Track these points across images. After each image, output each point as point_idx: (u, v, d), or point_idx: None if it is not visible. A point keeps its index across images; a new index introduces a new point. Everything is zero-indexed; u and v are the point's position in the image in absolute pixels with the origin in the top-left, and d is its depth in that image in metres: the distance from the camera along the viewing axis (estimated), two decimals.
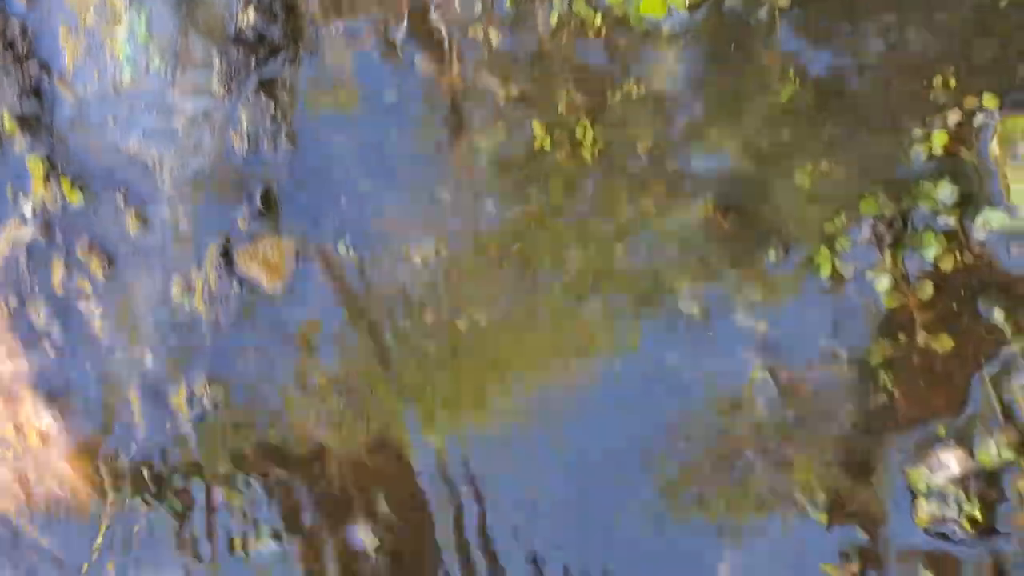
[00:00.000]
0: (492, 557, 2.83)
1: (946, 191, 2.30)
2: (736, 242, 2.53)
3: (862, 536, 2.41)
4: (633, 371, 2.64)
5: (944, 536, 2.34)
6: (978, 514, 2.29)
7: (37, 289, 3.49)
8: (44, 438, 3.48)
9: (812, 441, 2.48)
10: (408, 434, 2.94)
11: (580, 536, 2.70)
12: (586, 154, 2.67)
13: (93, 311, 3.43)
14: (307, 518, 3.10)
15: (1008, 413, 2.27)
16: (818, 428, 2.48)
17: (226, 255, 3.14)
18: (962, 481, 2.30)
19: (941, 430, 2.34)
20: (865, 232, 2.38)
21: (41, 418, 3.49)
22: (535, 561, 2.75)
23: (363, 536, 3.03)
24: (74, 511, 3.47)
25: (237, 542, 3.21)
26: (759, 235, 2.51)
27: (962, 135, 2.29)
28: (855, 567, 2.41)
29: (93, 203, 3.39)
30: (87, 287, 3.42)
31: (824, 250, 2.43)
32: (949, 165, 2.32)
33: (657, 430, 2.62)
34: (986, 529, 2.30)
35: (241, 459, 3.18)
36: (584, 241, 2.70)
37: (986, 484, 2.30)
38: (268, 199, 3.13)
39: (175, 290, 3.25)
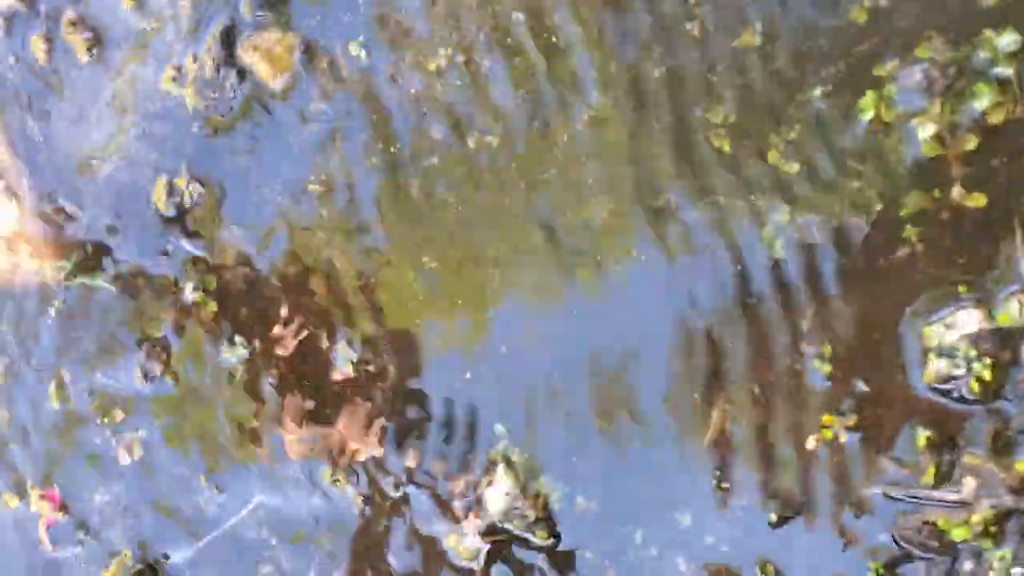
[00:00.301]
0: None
1: (1007, 39, 2.20)
2: (781, 74, 2.41)
3: (864, 389, 2.38)
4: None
5: (947, 394, 2.31)
6: (987, 374, 2.25)
7: (14, 61, 3.26)
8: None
9: (824, 292, 2.42)
10: (407, 257, 2.83)
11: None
12: None
13: (75, 91, 3.22)
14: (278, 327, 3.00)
15: None
16: (833, 278, 2.42)
17: (227, 41, 2.94)
18: (976, 341, 2.26)
19: (962, 288, 2.29)
20: (917, 76, 2.28)
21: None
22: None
23: (341, 351, 2.93)
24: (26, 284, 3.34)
25: (204, 349, 3.11)
26: (806, 69, 2.39)
27: None
28: (852, 421, 2.39)
29: None
30: (70, 66, 3.21)
31: (871, 92, 2.32)
32: (1016, 12, 2.21)
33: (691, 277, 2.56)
34: (992, 391, 2.28)
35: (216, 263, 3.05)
36: (615, 59, 2.57)
37: (999, 346, 2.26)
38: None
39: (166, 78, 3.05)
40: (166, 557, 3.19)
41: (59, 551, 3.35)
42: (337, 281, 2.93)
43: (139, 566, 3.21)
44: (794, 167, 2.43)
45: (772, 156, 2.44)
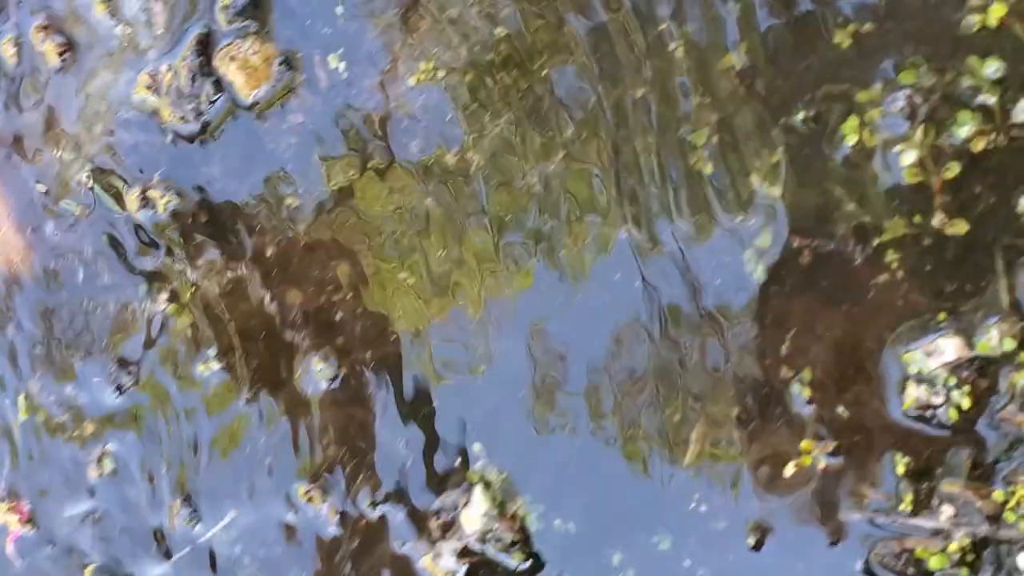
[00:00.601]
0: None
1: (992, 67, 2.19)
2: (764, 98, 2.40)
3: (843, 415, 2.37)
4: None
5: (925, 421, 2.31)
6: (966, 402, 2.25)
7: None
8: None
9: (804, 316, 2.41)
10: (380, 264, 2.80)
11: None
12: None
13: (45, 99, 3.16)
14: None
15: (1015, 304, 2.22)
16: (814, 299, 2.41)
17: (203, 50, 2.89)
18: (955, 369, 2.26)
19: (942, 316, 2.28)
20: (900, 102, 2.27)
21: None
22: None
23: (316, 367, 2.89)
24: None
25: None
26: (787, 94, 2.38)
27: (1021, 9, 2.17)
28: (831, 446, 2.38)
29: None
30: (39, 73, 3.15)
31: (853, 118, 2.31)
32: (1001, 41, 2.20)
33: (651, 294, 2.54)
34: (971, 419, 2.27)
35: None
36: (599, 78, 2.54)
37: (978, 374, 2.26)
38: None
39: (139, 86, 3.00)
40: (137, 574, 3.14)
41: (27, 565, 3.30)
42: (315, 295, 2.89)
43: None
44: (776, 191, 2.42)
45: (754, 179, 2.43)
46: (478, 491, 2.70)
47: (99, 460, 3.17)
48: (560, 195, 2.60)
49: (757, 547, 2.46)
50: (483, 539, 2.70)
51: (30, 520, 3.29)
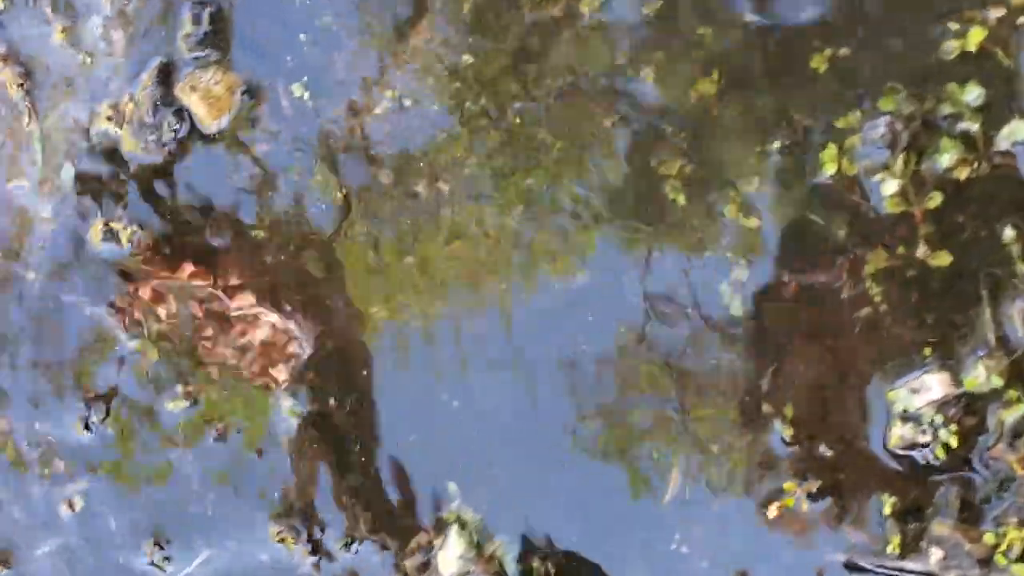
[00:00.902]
0: None
1: (973, 93, 2.10)
2: (739, 125, 2.31)
3: (827, 454, 2.29)
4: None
5: (913, 460, 2.22)
6: (954, 441, 2.17)
7: None
8: None
9: (785, 351, 2.33)
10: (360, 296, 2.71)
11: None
12: (584, 8, 2.40)
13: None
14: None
15: (1002, 338, 2.14)
16: (795, 333, 2.32)
17: (164, 79, 2.80)
18: (942, 406, 2.18)
19: (927, 351, 2.20)
20: (880, 130, 2.18)
21: None
22: None
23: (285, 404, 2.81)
24: None
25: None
26: (763, 121, 2.29)
27: (1001, 34, 2.08)
28: (814, 486, 2.30)
29: (11, 8, 3.00)
30: None
31: (831, 146, 2.22)
32: (981, 66, 2.11)
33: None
34: (958, 458, 2.19)
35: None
36: (568, 112, 2.45)
37: (966, 411, 2.17)
38: (218, 20, 2.77)
39: (100, 117, 2.91)
40: None
41: None
42: (283, 331, 2.80)
43: None
44: (753, 222, 2.33)
45: (730, 210, 2.34)
46: (454, 532, 2.62)
47: (69, 498, 3.09)
48: (530, 226, 2.52)
49: None
50: None
51: (3, 561, 3.21)
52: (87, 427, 3.05)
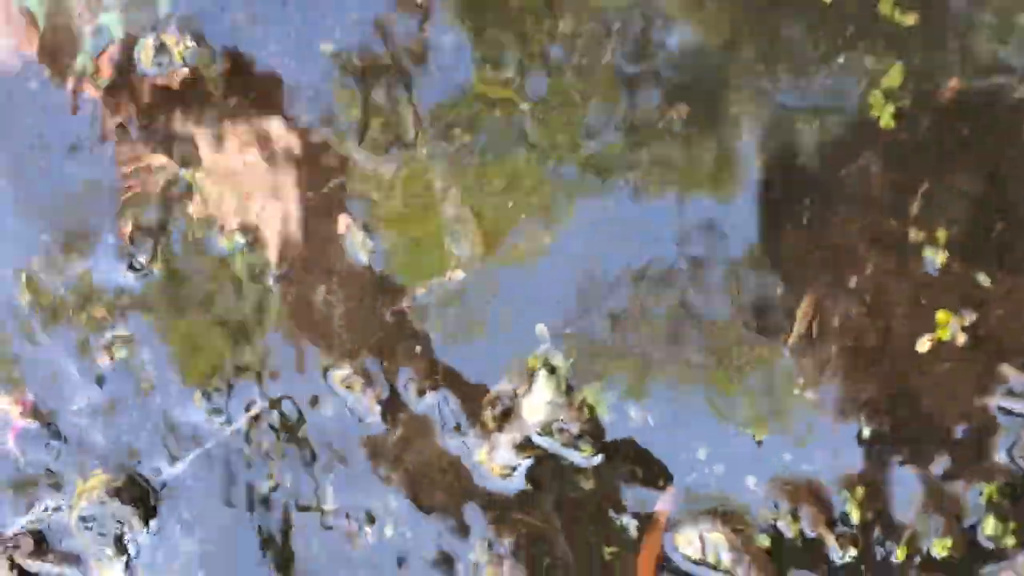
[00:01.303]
0: None
1: None
2: None
3: (986, 284, 2.01)
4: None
5: None
6: None
7: None
8: None
9: (941, 166, 2.05)
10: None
11: None
12: None
13: None
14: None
15: None
16: (954, 148, 2.04)
17: None
18: None
19: None
20: None
21: None
22: None
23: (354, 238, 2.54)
24: None
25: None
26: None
27: None
28: (969, 319, 2.02)
29: None
30: None
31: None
32: None
33: None
34: None
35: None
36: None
37: None
38: None
39: None
40: (153, 470, 2.82)
41: (30, 461, 2.98)
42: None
43: (121, 479, 2.84)
44: (910, 18, 2.04)
45: (885, 5, 2.04)
46: (542, 377, 2.36)
47: (110, 346, 2.84)
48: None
49: (873, 440, 2.12)
50: (546, 431, 2.37)
51: (33, 412, 2.97)
52: (132, 267, 2.79)
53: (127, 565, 2.87)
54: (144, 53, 2.66)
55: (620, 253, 2.29)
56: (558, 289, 2.35)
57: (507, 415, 2.41)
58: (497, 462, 2.42)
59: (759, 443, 2.20)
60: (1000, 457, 2.02)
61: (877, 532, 2.14)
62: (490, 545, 2.45)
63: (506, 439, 2.40)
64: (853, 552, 2.15)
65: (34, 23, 2.80)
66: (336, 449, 2.61)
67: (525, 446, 2.39)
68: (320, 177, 2.56)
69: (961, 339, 2.02)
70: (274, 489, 2.68)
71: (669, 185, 2.23)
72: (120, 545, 2.86)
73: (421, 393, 2.49)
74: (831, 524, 2.16)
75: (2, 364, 2.95)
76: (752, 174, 2.17)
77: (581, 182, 2.30)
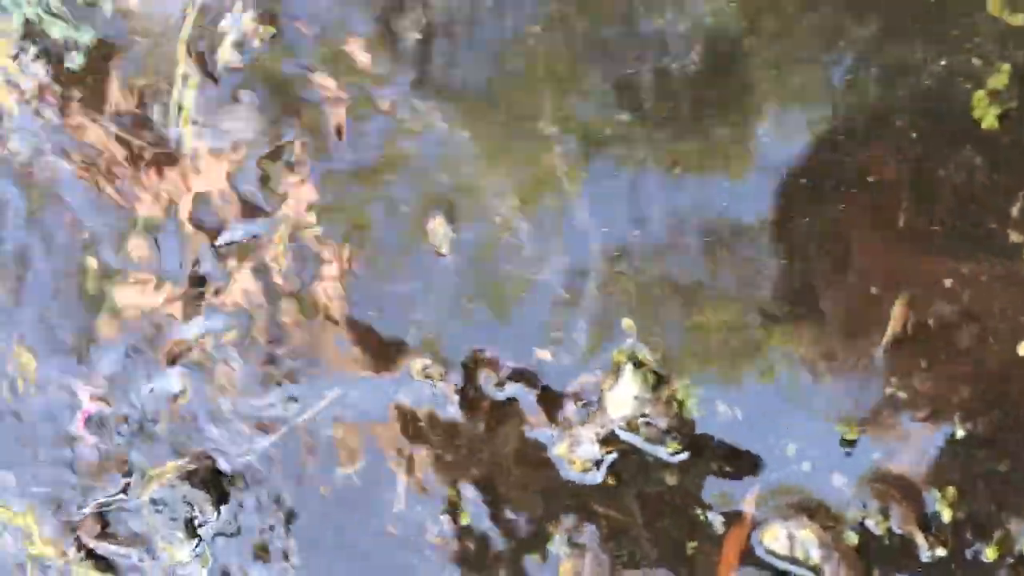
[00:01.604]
0: None
1: None
2: None
3: None
4: None
5: None
6: None
7: None
8: None
9: None
10: None
11: None
12: None
13: None
14: None
15: None
16: None
17: None
18: None
19: None
20: None
21: None
22: None
23: (437, 228, 2.54)
24: None
25: None
26: None
27: None
28: None
29: None
30: None
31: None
32: None
33: None
34: None
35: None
36: None
37: None
38: None
39: None
40: (226, 457, 2.83)
41: (98, 445, 2.99)
42: None
43: (193, 465, 2.86)
44: (1020, 18, 2.03)
45: (993, 5, 2.03)
46: (628, 370, 2.37)
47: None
48: None
49: (968, 442, 2.13)
50: (631, 426, 2.37)
51: (103, 396, 2.98)
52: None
53: (196, 548, 2.89)
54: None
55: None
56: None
57: (591, 409, 2.41)
58: (579, 456, 2.43)
59: (850, 442, 2.21)
60: None
61: (968, 533, 2.15)
62: (570, 538, 2.46)
63: (589, 433, 2.41)
64: (942, 551, 2.16)
65: None
66: (412, 436, 2.63)
67: (608, 440, 2.40)
68: None
69: None
70: (348, 477, 2.70)
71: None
72: (191, 528, 2.88)
73: (500, 385, 2.50)
74: (921, 523, 2.17)
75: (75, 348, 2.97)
76: (849, 174, 2.17)
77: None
